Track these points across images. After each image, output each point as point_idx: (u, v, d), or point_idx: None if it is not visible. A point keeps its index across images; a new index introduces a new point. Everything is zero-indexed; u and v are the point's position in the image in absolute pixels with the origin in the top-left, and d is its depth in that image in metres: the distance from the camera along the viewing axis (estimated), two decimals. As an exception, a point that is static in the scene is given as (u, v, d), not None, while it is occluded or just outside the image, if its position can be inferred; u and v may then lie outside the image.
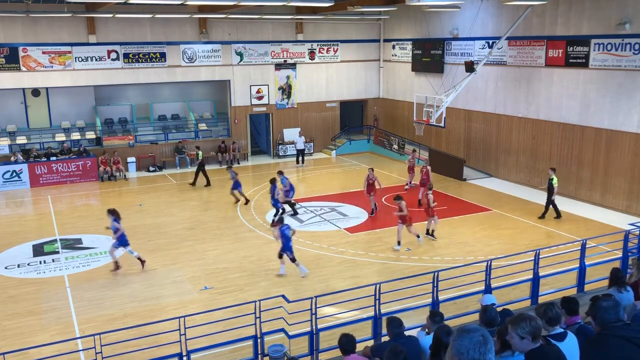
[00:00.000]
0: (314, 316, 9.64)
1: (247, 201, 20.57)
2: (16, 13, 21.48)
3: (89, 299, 13.01)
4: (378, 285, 10.10)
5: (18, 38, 23.21)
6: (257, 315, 9.45)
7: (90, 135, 25.93)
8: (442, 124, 22.85)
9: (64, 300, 12.97)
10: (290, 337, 9.82)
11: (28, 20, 22.54)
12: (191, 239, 16.97)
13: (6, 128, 25.08)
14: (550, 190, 17.72)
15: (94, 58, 24.58)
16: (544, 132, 21.20)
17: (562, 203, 19.26)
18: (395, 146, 28.34)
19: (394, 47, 29.39)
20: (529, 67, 21.52)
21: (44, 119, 26.10)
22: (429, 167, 20.23)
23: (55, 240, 16.90)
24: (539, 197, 19.88)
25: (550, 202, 17.85)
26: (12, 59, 23.27)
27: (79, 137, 25.74)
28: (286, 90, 28.73)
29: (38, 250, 16.15)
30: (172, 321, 9.48)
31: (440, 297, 10.77)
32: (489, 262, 10.99)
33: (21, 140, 24.88)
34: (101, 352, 8.53)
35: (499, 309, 6.91)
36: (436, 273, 10.67)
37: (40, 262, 15.25)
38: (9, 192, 22.70)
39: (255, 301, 9.58)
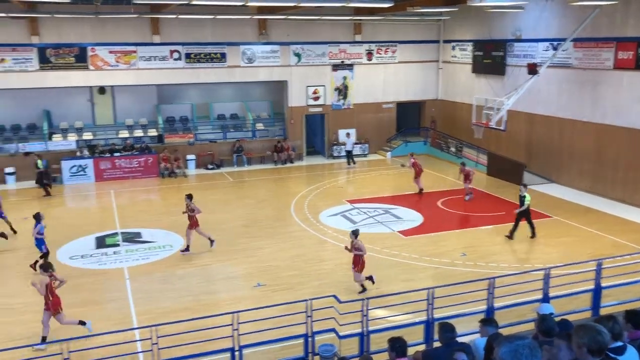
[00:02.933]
0: (365, 318, 9.59)
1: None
2: (86, 14, 22.42)
3: (146, 291, 13.41)
4: (431, 290, 9.94)
5: (87, 38, 24.22)
6: (309, 314, 9.48)
7: (152, 132, 26.75)
8: (502, 127, 22.28)
9: (123, 291, 13.42)
10: (340, 337, 9.80)
11: (97, 21, 23.48)
12: (246, 236, 17.23)
13: (74, 124, 26.20)
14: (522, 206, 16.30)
15: (157, 58, 25.34)
16: (610, 137, 20.32)
17: (630, 212, 18.42)
18: (453, 149, 27.85)
19: (453, 48, 28.89)
20: (595, 69, 20.67)
21: (109, 116, 27.13)
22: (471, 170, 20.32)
23: (117, 233, 17.52)
24: (604, 205, 19.08)
25: (520, 219, 16.39)
26: (81, 58, 24.31)
27: (141, 135, 26.60)
28: (342, 91, 28.74)
29: (100, 243, 16.79)
30: (225, 316, 9.63)
31: (496, 304, 10.50)
32: (548, 270, 10.62)
33: (87, 136, 25.94)
34: (157, 343, 8.77)
35: (557, 319, 6.67)
36: (492, 280, 10.41)
37: (102, 254, 15.85)
38: (74, 185, 23.70)
39: (306, 300, 9.62)
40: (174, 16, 23.65)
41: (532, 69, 21.04)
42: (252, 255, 15.60)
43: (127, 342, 10.17)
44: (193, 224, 15.79)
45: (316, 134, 29.91)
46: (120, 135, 26.39)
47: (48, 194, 21.97)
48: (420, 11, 22.98)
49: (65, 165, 23.88)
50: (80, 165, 24.12)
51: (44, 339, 10.72)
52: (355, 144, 28.41)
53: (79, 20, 23.46)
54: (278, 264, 14.95)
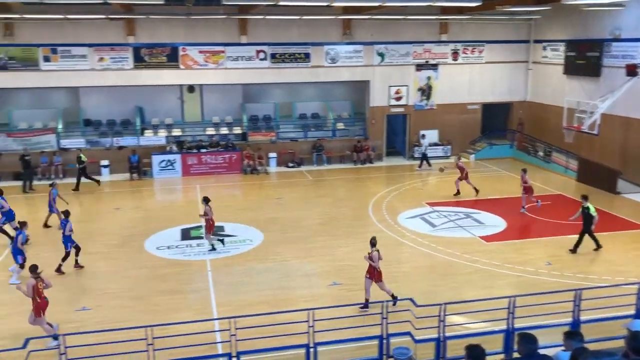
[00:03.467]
0: (442, 323, 9.40)
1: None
2: (178, 15, 23.41)
3: (227, 283, 13.82)
4: (513, 299, 9.58)
5: (178, 38, 25.28)
6: (384, 316, 9.42)
7: (237, 130, 27.52)
8: (595, 132, 21.10)
9: (205, 282, 13.90)
10: (416, 341, 9.66)
11: (188, 22, 24.45)
12: (324, 234, 17.35)
13: (164, 121, 27.45)
14: (587, 221, 15.17)
15: (243, 58, 26.04)
16: None
17: None
18: (541, 153, 26.70)
19: (544, 48, 27.68)
20: None
21: (197, 114, 28.19)
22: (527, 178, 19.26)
23: (201, 227, 18.15)
24: None
25: (586, 232, 15.30)
26: (172, 57, 25.41)
27: (226, 132, 27.43)
28: (426, 91, 28.29)
29: (185, 235, 17.48)
30: (301, 312, 9.75)
31: (582, 317, 9.96)
32: (643, 284, 9.95)
33: (176, 132, 27.08)
34: (235, 335, 9.01)
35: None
36: (579, 291, 9.89)
37: (187, 246, 16.50)
38: (163, 179, 24.83)
39: (382, 301, 9.55)
40: (261, 17, 24.22)
41: (632, 70, 19.79)
42: (329, 254, 15.68)
43: (207, 332, 10.53)
44: (209, 227, 15.96)
45: (397, 134, 29.63)
46: (207, 132, 27.33)
47: (77, 188, 22.47)
48: (510, 10, 22.23)
49: (155, 159, 25.07)
50: (169, 160, 25.24)
51: (55, 337, 10.58)
52: (436, 145, 27.88)
53: (172, 21, 24.52)
54: (355, 263, 14.92)
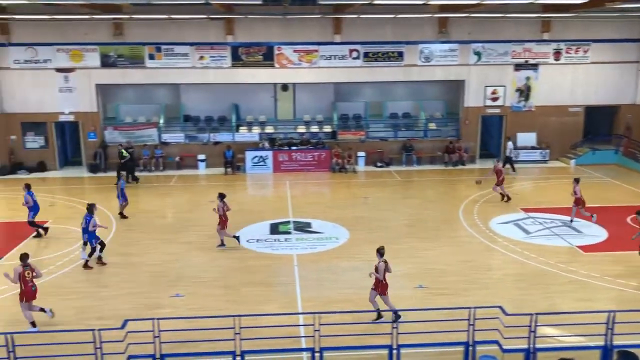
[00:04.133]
0: (532, 334, 8.98)
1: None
2: (275, 15, 23.97)
3: (312, 279, 13.98)
4: (612, 313, 8.98)
5: (274, 38, 25.87)
6: (471, 323, 9.15)
7: (327, 129, 27.77)
8: None
9: (291, 277, 14.13)
10: (504, 350, 9.30)
11: (284, 21, 24.96)
12: (410, 236, 17.12)
13: (258, 118, 28.22)
14: None
15: (336, 57, 26.22)
16: None
17: None
18: (649, 160, 24.85)
19: (658, 47, 25.70)
20: None
21: (289, 112, 28.75)
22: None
23: (289, 222, 18.51)
24: None
25: None
26: (268, 56, 26.06)
27: (317, 130, 27.76)
28: (524, 91, 27.15)
29: (274, 229, 17.88)
30: (385, 313, 9.67)
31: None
32: None
33: (269, 129, 27.77)
34: (319, 330, 9.10)
35: None
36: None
37: (275, 240, 16.87)
38: (255, 174, 25.55)
39: (470, 307, 9.28)
40: (356, 16, 24.26)
41: None
42: (415, 256, 15.45)
43: (291, 325, 10.72)
44: (222, 223, 15.97)
45: (492, 136, 28.67)
46: (298, 130, 27.80)
47: (118, 181, 23.10)
48: (621, 7, 20.81)
49: (249, 155, 25.85)
50: (261, 156, 25.93)
51: (33, 324, 11.27)
52: (534, 148, 26.68)
53: (268, 20, 25.14)
54: (442, 267, 14.62)
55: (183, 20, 24.65)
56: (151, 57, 25.56)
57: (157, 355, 9.00)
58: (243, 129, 27.44)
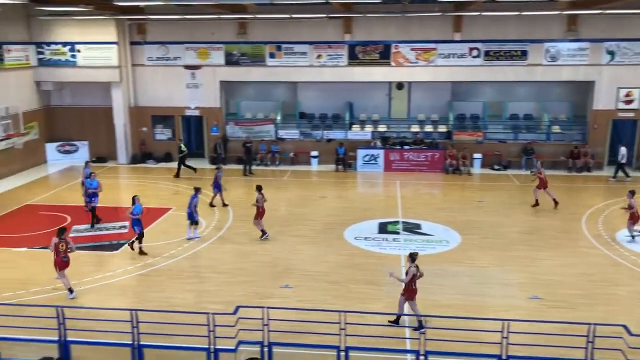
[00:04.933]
0: (661, 359, 8.23)
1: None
2: (393, 13, 23.83)
3: (420, 281, 13.75)
4: None
5: (391, 36, 25.73)
6: (590, 340, 8.56)
7: (442, 128, 27.16)
8: None
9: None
10: (626, 374, 8.61)
11: (402, 19, 24.75)
12: (525, 243, 16.33)
13: (371, 116, 28.25)
14: None
15: (455, 55, 25.56)
16: None
17: None
18: None
19: None
20: None
21: (403, 111, 28.46)
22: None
23: (398, 222, 18.36)
24: None
25: None
26: (384, 54, 25.98)
27: (431, 130, 27.25)
28: (663, 95, 24.82)
29: (382, 228, 17.83)
30: (494, 322, 9.32)
31: None
32: None
33: (382, 128, 27.68)
34: (424, 333, 8.96)
35: None
36: None
37: (383, 239, 16.81)
38: (366, 173, 25.61)
39: (590, 324, 8.68)
40: (477, 14, 23.51)
41: None
42: (531, 265, 14.71)
43: (396, 326, 10.64)
44: (259, 214, 16.54)
45: (622, 141, 26.50)
46: (412, 129, 27.45)
47: (177, 175, 24.26)
48: None
49: (360, 153, 25.97)
50: (372, 155, 25.95)
51: (70, 290, 12.69)
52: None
53: (386, 19, 25.05)
54: (559, 279, 13.79)
55: (302, 20, 25.25)
56: (272, 55, 26.46)
57: (265, 343, 9.33)
58: (356, 127, 27.60)
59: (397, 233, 17.34)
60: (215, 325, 9.21)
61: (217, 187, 19.84)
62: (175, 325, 9.89)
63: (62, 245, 12.67)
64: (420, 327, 10.71)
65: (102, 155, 27.49)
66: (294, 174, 25.27)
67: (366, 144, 26.53)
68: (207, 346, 9.21)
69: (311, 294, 12.99)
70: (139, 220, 15.30)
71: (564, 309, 12.03)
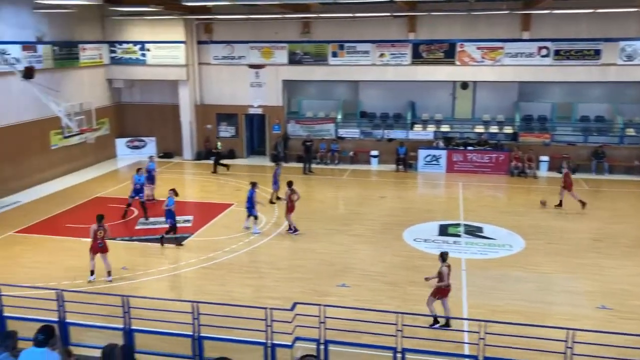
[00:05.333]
0: None
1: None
2: (458, 12, 23.35)
3: (480, 286, 13.45)
4: None
5: (457, 35, 25.23)
6: (663, 355, 8.09)
7: (508, 130, 26.41)
8: None
9: (458, 281, 13.69)
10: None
11: (468, 18, 24.21)
12: (595, 251, 15.62)
13: (434, 116, 27.81)
14: None
15: (523, 54, 24.78)
16: None
17: None
18: None
19: None
20: None
21: (467, 111, 27.86)
22: None
23: (459, 224, 17.99)
24: None
25: None
26: (449, 54, 25.51)
27: (496, 131, 26.54)
28: None
29: (443, 230, 17.51)
30: (559, 330, 8.97)
31: None
32: None
33: (444, 128, 27.20)
34: (484, 339, 8.73)
35: None
36: None
37: (443, 242, 16.50)
38: (427, 173, 25.23)
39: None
40: (547, 11, 22.70)
41: None
42: (599, 274, 14.06)
43: (454, 330, 10.44)
44: (289, 209, 16.91)
45: None
46: (476, 130, 26.84)
47: (215, 171, 24.87)
48: None
49: (422, 153, 25.61)
50: (434, 155, 25.54)
51: (91, 272, 13.48)
52: None
53: (452, 17, 24.58)
54: (631, 289, 13.12)
55: (366, 19, 25.17)
56: (334, 54, 26.51)
57: (322, 341, 9.35)
58: (418, 127, 27.25)
59: (458, 236, 16.98)
60: (272, 320, 9.31)
61: (276, 183, 20.08)
62: (234, 319, 10.07)
63: (100, 232, 13.36)
64: (436, 323, 11.13)
65: (169, 151, 28.40)
66: (353, 173, 25.22)
67: (428, 144, 26.14)
68: (264, 340, 9.33)
69: (368, 293, 12.93)
70: (172, 212, 15.98)
71: (636, 321, 11.43)
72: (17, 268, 14.35)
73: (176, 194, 16.46)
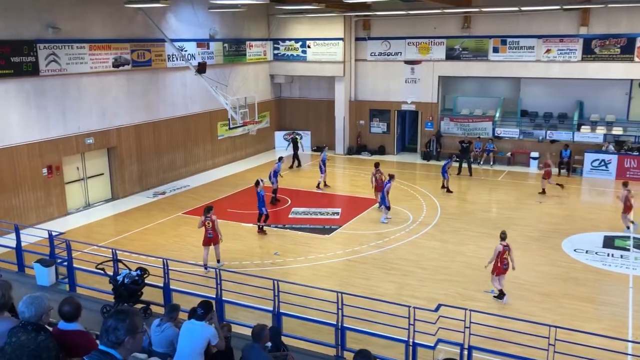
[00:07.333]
0: None
1: None
2: (641, 2, 21.10)
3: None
4: None
5: (638, 28, 22.78)
6: None
7: (694, 134, 23.35)
8: None
9: (623, 298, 12.49)
10: None
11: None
12: None
13: (605, 117, 25.43)
14: None
15: None
16: None
17: None
18: None
19: None
20: None
21: (645, 113, 25.13)
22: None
23: (628, 237, 16.31)
24: None
25: None
26: (627, 49, 23.11)
27: (679, 136, 23.59)
28: None
29: (608, 242, 15.99)
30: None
31: None
32: None
33: (617, 131, 24.75)
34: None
35: None
36: None
37: (608, 255, 15.09)
38: (593, 179, 23.18)
39: None
40: None
41: None
42: None
43: (616, 352, 9.50)
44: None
45: None
46: (654, 134, 24.10)
47: (299, 164, 25.52)
48: None
49: (588, 157, 23.56)
50: (603, 160, 23.37)
51: (205, 266, 13.49)
52: None
53: (632, 9, 22.26)
54: None
55: (532, 12, 23.72)
56: (495, 50, 25.38)
57: (465, 346, 9.04)
58: (585, 129, 25.10)
59: (627, 250, 15.41)
60: (415, 319, 9.19)
61: (445, 173, 21.20)
62: (377, 313, 10.12)
63: (208, 223, 13.90)
64: (500, 295, 12.20)
65: (322, 145, 29.25)
66: (510, 175, 24.00)
67: (596, 148, 23.99)
68: (406, 338, 9.25)
69: (518, 302, 12.24)
70: (264, 202, 16.57)
71: None
72: (184, 246, 15.78)
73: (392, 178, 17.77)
